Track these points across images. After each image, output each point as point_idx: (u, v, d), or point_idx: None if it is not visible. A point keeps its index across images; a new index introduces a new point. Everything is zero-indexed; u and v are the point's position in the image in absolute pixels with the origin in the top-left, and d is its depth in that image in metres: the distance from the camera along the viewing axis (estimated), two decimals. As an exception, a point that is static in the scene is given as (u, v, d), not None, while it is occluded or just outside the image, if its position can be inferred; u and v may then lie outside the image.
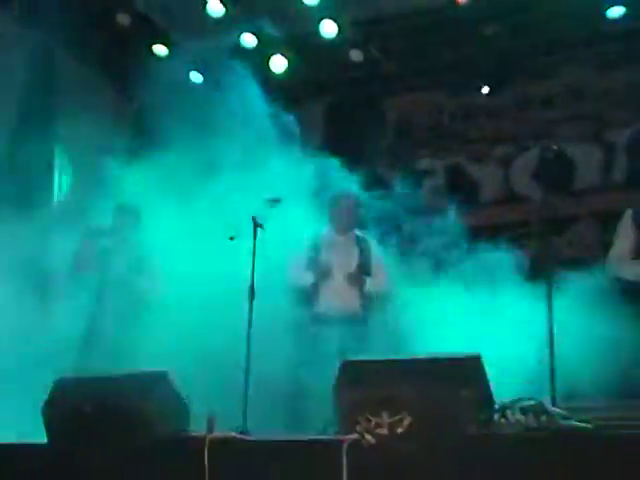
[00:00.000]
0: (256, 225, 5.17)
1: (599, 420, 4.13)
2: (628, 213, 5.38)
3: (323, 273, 5.94)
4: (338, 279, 5.95)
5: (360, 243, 6.13)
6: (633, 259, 5.25)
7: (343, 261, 6.02)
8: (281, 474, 3.61)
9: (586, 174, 8.44)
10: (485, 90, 8.81)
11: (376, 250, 6.16)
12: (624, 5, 7.62)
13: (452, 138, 9.23)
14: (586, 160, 8.45)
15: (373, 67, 8.87)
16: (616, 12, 7.71)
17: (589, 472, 3.20)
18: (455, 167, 9.14)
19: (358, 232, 6.22)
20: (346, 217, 6.14)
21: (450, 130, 9.27)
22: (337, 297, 5.90)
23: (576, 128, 8.54)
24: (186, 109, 6.94)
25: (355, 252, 6.08)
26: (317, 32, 8.04)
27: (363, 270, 6.02)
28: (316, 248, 6.09)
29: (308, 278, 6.00)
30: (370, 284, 5.98)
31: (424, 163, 9.27)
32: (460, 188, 8.98)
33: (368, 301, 5.98)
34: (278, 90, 8.89)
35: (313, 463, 3.55)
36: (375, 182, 7.74)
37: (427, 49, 8.60)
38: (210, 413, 3.88)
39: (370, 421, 3.48)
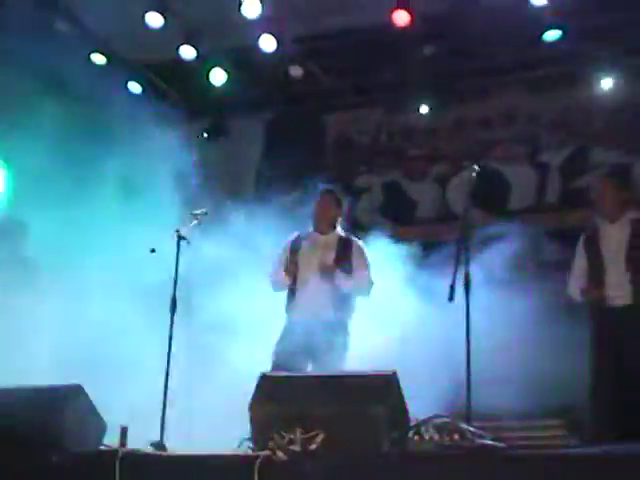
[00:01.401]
0: (180, 238, 5.13)
1: (512, 439, 4.16)
2: (582, 238, 5.59)
3: (293, 275, 5.72)
4: (313, 280, 5.71)
5: (342, 243, 5.88)
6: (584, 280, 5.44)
7: (320, 261, 5.76)
8: (193, 490, 3.56)
9: (520, 194, 8.55)
10: (424, 109, 8.85)
11: (360, 251, 5.87)
12: (559, 29, 7.71)
13: (390, 156, 9.28)
14: (521, 181, 8.57)
15: (312, 83, 8.87)
16: (552, 35, 7.81)
17: (501, 490, 3.22)
18: (392, 184, 9.18)
19: (343, 233, 5.99)
20: (328, 212, 5.94)
21: (388, 148, 9.32)
22: (311, 301, 5.64)
23: (511, 149, 8.66)
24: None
25: (333, 252, 5.82)
26: (257, 46, 7.97)
27: (338, 265, 5.73)
28: (295, 249, 5.88)
29: (284, 282, 5.81)
30: (344, 280, 5.70)
31: (362, 180, 9.32)
32: (397, 205, 9.04)
33: (341, 302, 5.70)
34: (217, 104, 8.90)
35: (225, 479, 3.51)
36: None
37: (366, 67, 8.61)
38: (122, 425, 3.82)
39: (283, 437, 3.45)
